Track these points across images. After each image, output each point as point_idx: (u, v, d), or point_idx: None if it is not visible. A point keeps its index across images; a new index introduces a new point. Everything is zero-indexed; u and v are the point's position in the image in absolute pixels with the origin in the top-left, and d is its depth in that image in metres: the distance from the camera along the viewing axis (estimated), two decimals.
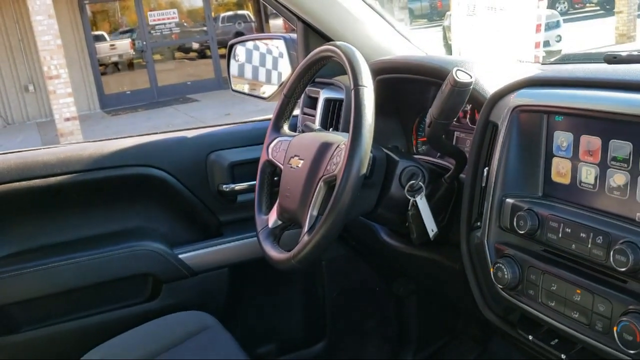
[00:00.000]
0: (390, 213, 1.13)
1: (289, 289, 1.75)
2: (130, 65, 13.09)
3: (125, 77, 12.84)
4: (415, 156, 1.28)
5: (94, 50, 12.04)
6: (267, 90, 1.79)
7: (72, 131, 8.81)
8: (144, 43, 12.46)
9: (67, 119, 8.79)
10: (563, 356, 0.84)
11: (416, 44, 1.62)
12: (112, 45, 12.86)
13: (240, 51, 1.88)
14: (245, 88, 1.91)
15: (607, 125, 0.79)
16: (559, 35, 11.50)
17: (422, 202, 1.09)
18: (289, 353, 1.73)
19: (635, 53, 1.12)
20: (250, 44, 1.84)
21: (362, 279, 1.78)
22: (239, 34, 14.23)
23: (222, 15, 14.69)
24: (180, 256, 1.52)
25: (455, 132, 1.32)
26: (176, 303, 1.51)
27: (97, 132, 9.42)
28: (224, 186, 1.60)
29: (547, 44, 11.00)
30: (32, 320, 1.44)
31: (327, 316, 1.75)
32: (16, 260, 1.42)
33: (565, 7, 19.97)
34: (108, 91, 12.28)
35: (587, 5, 20.99)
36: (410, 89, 1.34)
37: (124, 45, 12.97)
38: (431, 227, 1.09)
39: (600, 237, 0.76)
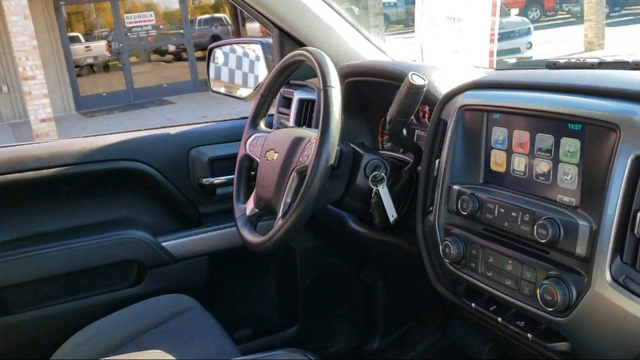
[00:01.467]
0: (355, 201, 1.26)
1: (264, 277, 1.88)
2: (105, 67, 13.07)
3: (101, 79, 12.82)
4: (380, 152, 1.42)
5: (69, 52, 12.00)
6: (244, 91, 1.91)
7: (48, 132, 8.79)
8: (121, 45, 12.46)
9: (43, 120, 8.77)
10: (499, 319, 0.98)
11: (383, 49, 1.76)
12: (87, 47, 12.83)
13: (219, 55, 2.00)
14: (224, 89, 2.02)
15: (534, 121, 0.94)
16: (530, 42, 11.69)
17: (384, 191, 1.22)
18: (264, 336, 1.85)
19: (574, 60, 1.28)
20: (229, 48, 1.96)
21: (333, 268, 1.91)
22: (215, 37, 14.29)
23: (198, 18, 14.76)
24: (163, 244, 1.63)
25: (416, 130, 1.46)
26: (159, 288, 1.62)
27: (73, 134, 9.38)
28: (204, 180, 1.71)
29: (517, 50, 11.22)
30: (24, 302, 1.53)
31: (300, 302, 1.87)
32: (10, 247, 1.51)
33: (537, 14, 20.28)
34: (83, 93, 12.25)
35: (559, 12, 21.38)
36: (375, 91, 1.47)
37: (99, 47, 12.95)
38: (391, 213, 1.22)
39: (527, 215, 0.90)
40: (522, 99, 0.96)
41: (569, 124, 0.87)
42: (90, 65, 12.94)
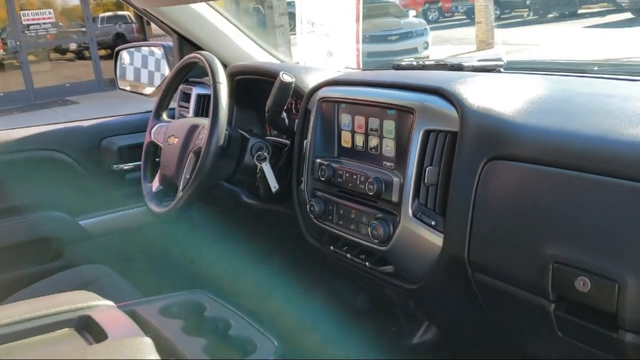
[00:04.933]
0: (244, 176, 1.55)
1: (172, 251, 2.13)
2: (0, 65, 12.53)
3: None
4: (267, 137, 1.72)
5: None
6: (149, 89, 2.16)
7: None
8: (18, 43, 11.98)
9: None
10: (348, 255, 1.31)
11: (271, 52, 2.07)
12: None
13: (125, 56, 2.24)
14: (130, 87, 2.26)
15: (367, 108, 1.27)
16: (427, 42, 12.30)
17: (267, 168, 1.52)
18: None
19: (414, 63, 1.64)
20: (134, 50, 2.20)
21: (234, 242, 2.19)
22: (119, 35, 14.06)
23: (101, 15, 14.41)
24: (80, 222, 1.86)
25: (296, 119, 1.77)
26: (77, 261, 1.83)
27: None
28: (114, 166, 1.95)
29: (415, 50, 11.85)
30: None
31: (205, 274, 2.14)
32: None
33: (435, 15, 21.29)
34: None
35: (455, 14, 22.54)
36: (262, 88, 1.76)
37: None
38: (273, 185, 1.53)
39: (362, 177, 1.24)
40: (359, 92, 1.30)
41: (388, 110, 1.22)
42: None
